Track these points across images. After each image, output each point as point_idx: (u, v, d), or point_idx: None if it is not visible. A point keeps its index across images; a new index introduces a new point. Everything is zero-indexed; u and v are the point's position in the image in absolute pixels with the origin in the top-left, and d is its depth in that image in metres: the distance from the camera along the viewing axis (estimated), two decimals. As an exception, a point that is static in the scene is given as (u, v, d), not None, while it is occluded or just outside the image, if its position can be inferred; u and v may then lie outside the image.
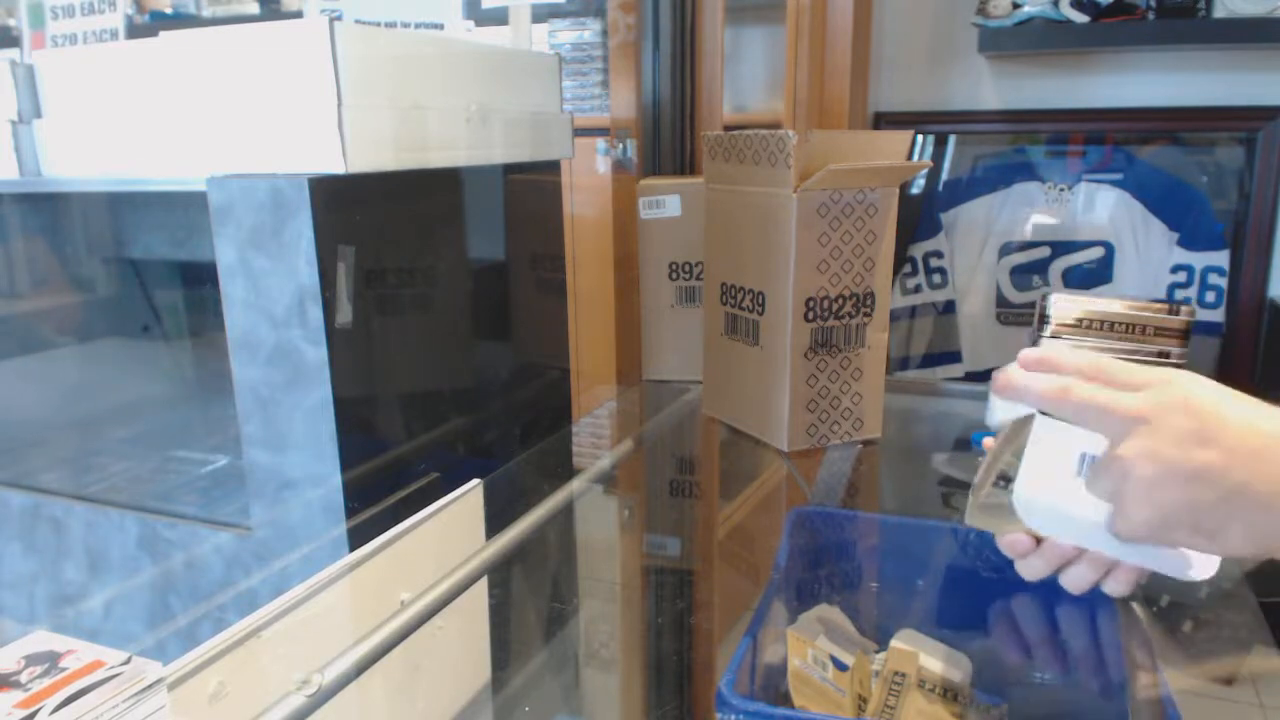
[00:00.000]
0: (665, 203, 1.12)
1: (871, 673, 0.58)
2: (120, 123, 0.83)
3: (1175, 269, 1.83)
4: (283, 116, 0.74)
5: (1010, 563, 0.52)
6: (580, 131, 1.14)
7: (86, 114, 0.85)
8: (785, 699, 0.54)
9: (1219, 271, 1.80)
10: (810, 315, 0.90)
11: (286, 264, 0.73)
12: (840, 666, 0.56)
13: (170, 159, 0.81)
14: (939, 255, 1.98)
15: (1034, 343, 0.99)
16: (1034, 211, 1.92)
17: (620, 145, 1.38)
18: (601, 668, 0.67)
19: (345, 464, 0.76)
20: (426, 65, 0.84)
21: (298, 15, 1.56)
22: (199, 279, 1.18)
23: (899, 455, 1.00)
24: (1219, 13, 1.65)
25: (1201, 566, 0.47)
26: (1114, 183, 1.87)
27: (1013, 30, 1.75)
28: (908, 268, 1.99)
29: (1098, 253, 1.89)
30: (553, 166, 1.11)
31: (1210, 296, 1.81)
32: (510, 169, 1.02)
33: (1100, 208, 1.88)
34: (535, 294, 1.12)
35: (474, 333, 0.98)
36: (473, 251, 0.96)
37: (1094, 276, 1.89)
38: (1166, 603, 0.66)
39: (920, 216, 1.99)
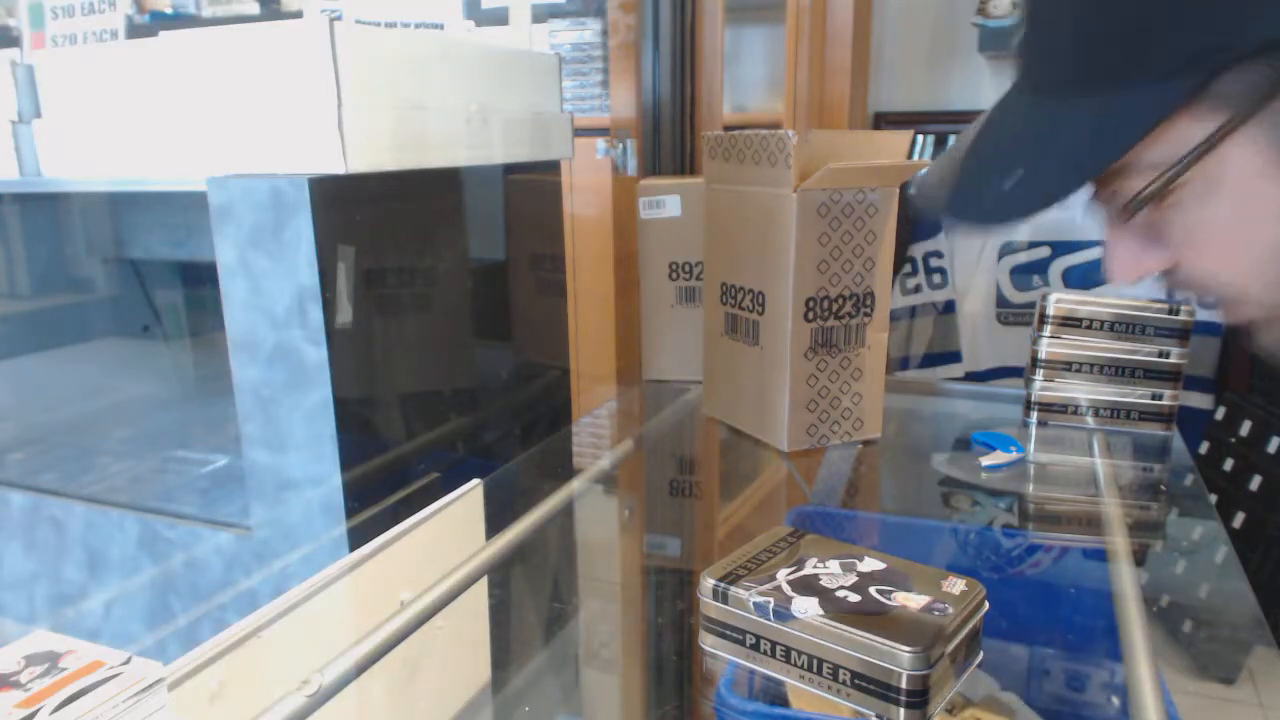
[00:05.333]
0: (665, 203, 1.12)
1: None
2: (120, 123, 0.83)
3: (1175, 269, 1.82)
4: (283, 117, 0.74)
5: (1010, 562, 0.52)
6: (580, 131, 1.14)
7: (86, 114, 0.85)
8: (784, 700, 0.54)
9: (1219, 271, 1.80)
10: (810, 315, 0.90)
11: (286, 264, 0.73)
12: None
13: (170, 159, 0.81)
14: (939, 255, 1.98)
15: (1034, 342, 0.99)
16: (1034, 211, 1.92)
17: (620, 145, 1.38)
18: (601, 668, 0.67)
19: (345, 464, 0.76)
20: (426, 65, 0.84)
21: (298, 15, 1.56)
22: (199, 279, 1.18)
23: (899, 455, 1.00)
24: (1219, 13, 1.65)
25: None
26: (1114, 183, 1.86)
27: (1013, 30, 1.75)
28: (908, 268, 1.99)
29: (1098, 253, 1.89)
30: (553, 166, 1.11)
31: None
32: (510, 169, 1.02)
33: (1100, 208, 1.88)
34: (535, 294, 1.13)
35: (474, 333, 0.98)
36: (473, 251, 0.96)
37: (1094, 276, 1.89)
38: (1166, 603, 0.66)
39: (920, 216, 1.99)
